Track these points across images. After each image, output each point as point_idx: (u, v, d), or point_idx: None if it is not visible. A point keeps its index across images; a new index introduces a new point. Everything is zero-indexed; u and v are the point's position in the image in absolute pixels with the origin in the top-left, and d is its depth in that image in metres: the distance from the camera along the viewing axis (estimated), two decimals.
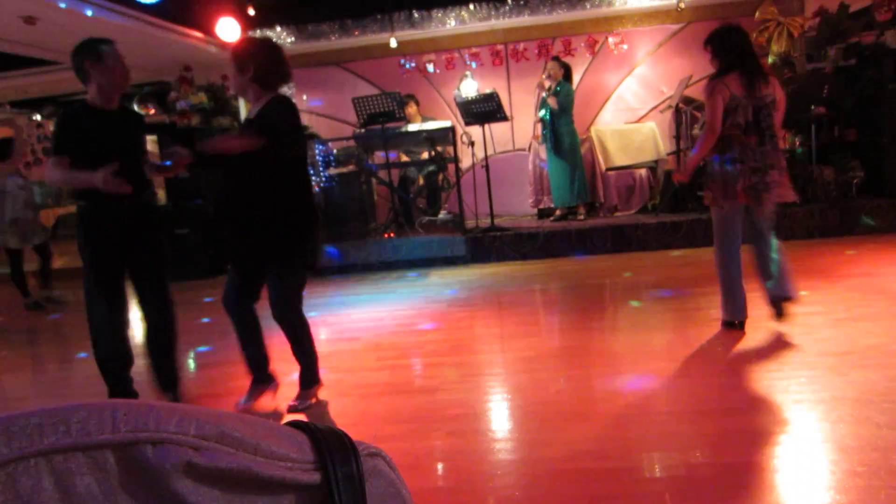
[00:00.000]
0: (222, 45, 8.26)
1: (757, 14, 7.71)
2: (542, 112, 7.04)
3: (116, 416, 0.35)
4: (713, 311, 4.26)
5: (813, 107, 6.82)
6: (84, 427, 0.34)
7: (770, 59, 7.63)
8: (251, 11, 7.82)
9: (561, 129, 6.93)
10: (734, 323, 3.80)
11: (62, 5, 5.75)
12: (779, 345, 3.52)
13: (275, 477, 0.38)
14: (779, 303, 3.74)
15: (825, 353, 3.32)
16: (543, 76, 6.97)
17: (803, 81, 7.02)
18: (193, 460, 0.36)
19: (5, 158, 6.36)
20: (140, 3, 6.52)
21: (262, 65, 3.01)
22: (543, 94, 6.90)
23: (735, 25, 3.78)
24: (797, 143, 6.68)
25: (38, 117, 10.91)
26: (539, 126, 7.29)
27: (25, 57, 7.49)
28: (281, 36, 8.33)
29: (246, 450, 0.38)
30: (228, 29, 7.80)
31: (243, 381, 3.83)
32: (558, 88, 6.83)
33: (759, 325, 3.88)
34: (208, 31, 7.82)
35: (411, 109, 7.62)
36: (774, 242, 3.72)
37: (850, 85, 7.09)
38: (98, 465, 0.34)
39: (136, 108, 9.98)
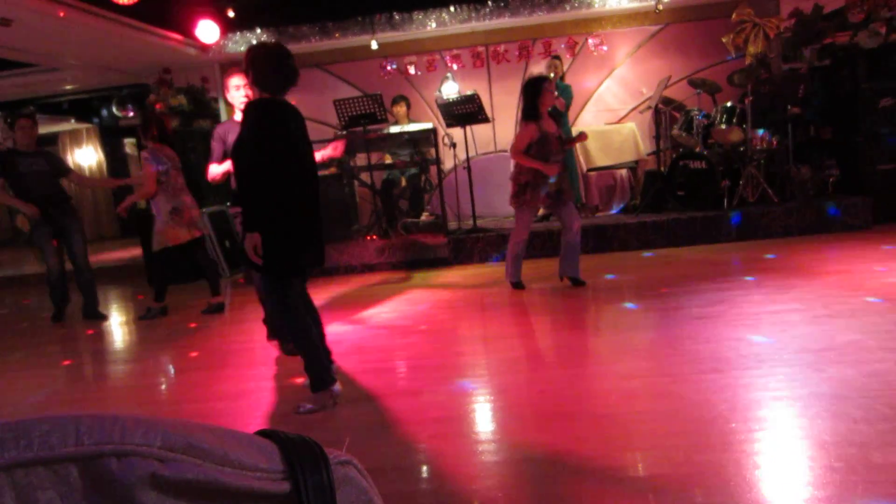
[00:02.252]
0: (202, 48, 8.21)
1: (734, 15, 7.80)
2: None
3: (80, 428, 0.35)
4: (695, 310, 4.31)
5: (789, 106, 6.91)
6: (46, 440, 0.34)
7: (747, 60, 7.73)
8: (230, 13, 7.78)
9: (562, 128, 6.95)
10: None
11: (38, 7, 5.67)
12: (757, 342, 3.56)
13: (243, 487, 0.38)
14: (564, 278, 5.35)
15: (803, 350, 3.36)
16: (550, 75, 6.93)
17: (780, 81, 7.11)
18: (159, 472, 0.35)
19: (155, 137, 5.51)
20: (117, 5, 6.45)
21: (258, 68, 3.10)
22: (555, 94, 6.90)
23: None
24: (773, 143, 6.76)
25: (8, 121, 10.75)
26: None
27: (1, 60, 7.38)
28: (260, 38, 8.29)
29: (213, 460, 0.38)
30: (207, 31, 7.75)
31: (228, 384, 3.81)
32: (563, 91, 6.86)
33: (739, 322, 3.93)
34: (187, 33, 7.76)
35: (400, 110, 7.60)
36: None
37: (826, 85, 7.20)
38: (61, 479, 0.34)
39: (115, 110, 9.90)
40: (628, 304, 4.76)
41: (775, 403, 2.79)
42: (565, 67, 8.35)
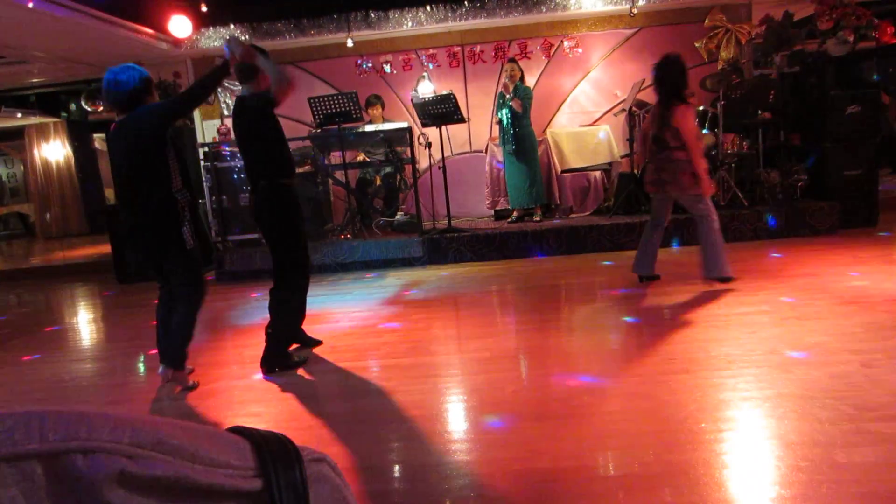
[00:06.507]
0: (174, 42, 8.08)
1: (707, 20, 7.93)
2: (502, 114, 7.06)
3: (45, 424, 0.34)
4: (666, 311, 4.36)
5: (760, 112, 7.03)
6: (9, 436, 0.33)
7: (719, 65, 7.85)
8: (204, 8, 7.67)
9: (522, 130, 6.98)
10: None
11: None
12: (727, 343, 3.61)
13: (214, 485, 0.37)
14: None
15: (771, 352, 3.42)
16: (505, 78, 6.98)
17: (750, 87, 7.23)
18: (127, 469, 0.35)
19: None
20: None
21: None
22: (508, 97, 6.92)
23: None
24: (745, 147, 6.87)
25: None
26: (497, 128, 7.33)
27: None
28: (234, 33, 8.19)
29: (183, 457, 0.37)
30: (180, 26, 7.64)
31: (199, 383, 3.76)
32: (520, 92, 6.87)
33: (708, 324, 3.98)
34: (160, 27, 7.64)
35: (376, 112, 7.56)
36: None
37: (795, 91, 7.33)
38: (25, 476, 0.33)
39: (83, 104, 9.69)
40: (600, 305, 4.80)
41: (743, 404, 2.84)
42: (541, 69, 8.40)
